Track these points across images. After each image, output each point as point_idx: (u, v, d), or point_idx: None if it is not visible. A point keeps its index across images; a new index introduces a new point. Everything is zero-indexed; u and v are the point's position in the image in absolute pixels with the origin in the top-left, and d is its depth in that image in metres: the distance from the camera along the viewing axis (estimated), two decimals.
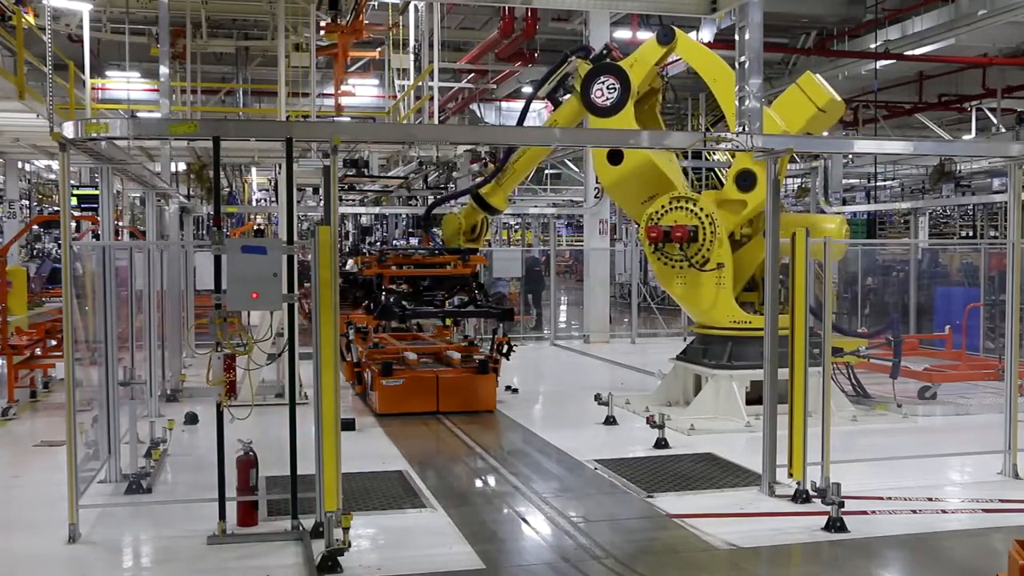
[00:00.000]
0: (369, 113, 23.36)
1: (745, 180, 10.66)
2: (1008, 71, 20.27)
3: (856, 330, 14.29)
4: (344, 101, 25.37)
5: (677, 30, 11.26)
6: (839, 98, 10.86)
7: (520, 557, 6.42)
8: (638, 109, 11.55)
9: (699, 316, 11.24)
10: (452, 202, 14.87)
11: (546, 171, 34.31)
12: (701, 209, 10.66)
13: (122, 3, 17.89)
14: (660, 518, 7.10)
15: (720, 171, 11.42)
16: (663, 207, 10.88)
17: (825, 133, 11.22)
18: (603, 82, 11.01)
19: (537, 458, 9.14)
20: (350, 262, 13.41)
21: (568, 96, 11.74)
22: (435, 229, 15.24)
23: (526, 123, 13.33)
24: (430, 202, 15.09)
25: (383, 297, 11.24)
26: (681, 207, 10.78)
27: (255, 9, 19.28)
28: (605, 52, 11.59)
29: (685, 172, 19.89)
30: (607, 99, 10.97)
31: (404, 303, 11.39)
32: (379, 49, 20.94)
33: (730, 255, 10.72)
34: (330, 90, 23.93)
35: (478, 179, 13.90)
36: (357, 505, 7.13)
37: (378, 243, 24.55)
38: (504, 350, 11.54)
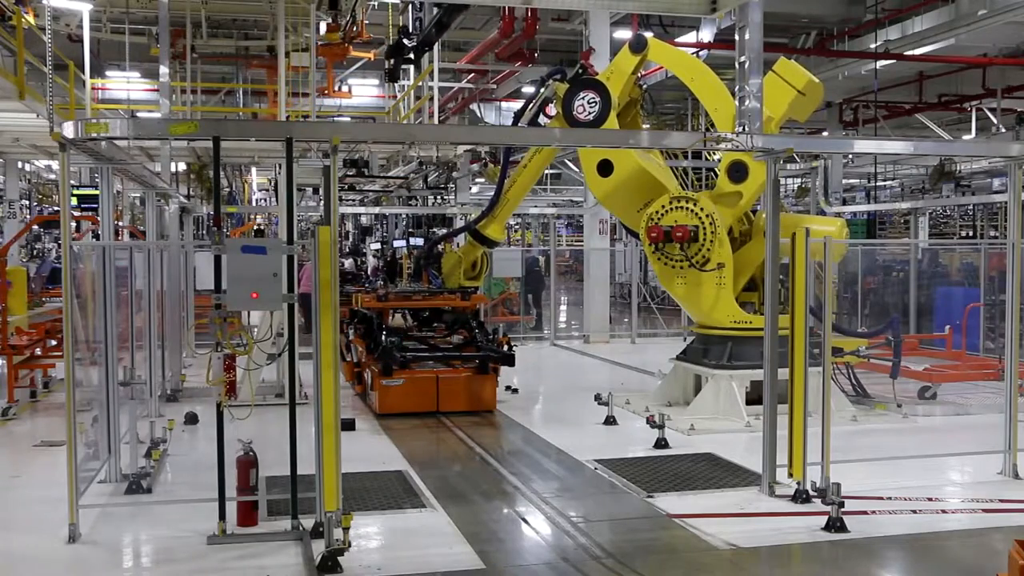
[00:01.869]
0: (369, 113, 23.35)
1: (738, 171, 10.71)
2: (1008, 71, 20.24)
3: (856, 330, 14.29)
4: (345, 101, 25.38)
5: (648, 36, 11.35)
6: (817, 79, 10.89)
7: (520, 557, 6.41)
8: (620, 122, 11.57)
9: (700, 316, 11.24)
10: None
11: (546, 171, 34.31)
12: (701, 209, 10.65)
13: (122, 3, 17.89)
14: (660, 518, 7.10)
15: (719, 171, 11.46)
16: (663, 207, 10.88)
17: (825, 133, 11.24)
18: (583, 97, 11.02)
19: (537, 458, 9.14)
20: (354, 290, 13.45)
21: (549, 121, 11.75)
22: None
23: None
24: (429, 241, 15.12)
25: (383, 338, 11.26)
26: (681, 207, 10.77)
27: (255, 9, 19.28)
28: (581, 71, 11.59)
29: (684, 172, 19.91)
30: (589, 114, 10.98)
31: (405, 345, 11.43)
32: (373, 52, 20.94)
33: (730, 255, 10.72)
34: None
35: (473, 216, 13.85)
36: (357, 505, 7.13)
37: (379, 243, 24.58)
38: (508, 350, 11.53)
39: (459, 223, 20.88)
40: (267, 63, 20.88)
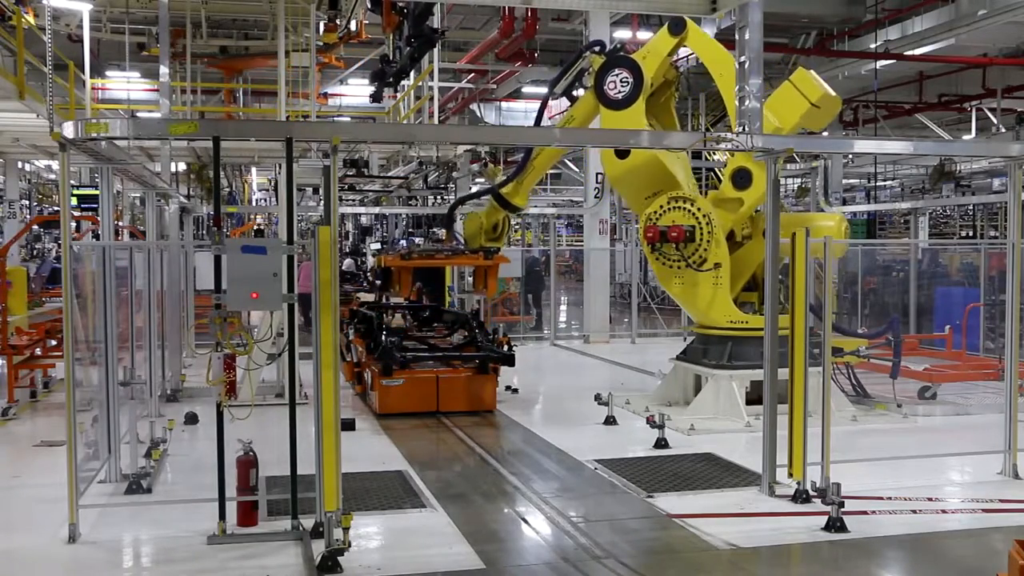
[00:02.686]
0: (369, 113, 23.39)
1: (742, 178, 10.66)
2: (1008, 71, 20.27)
3: (856, 331, 14.28)
4: (345, 101, 25.41)
5: (689, 20, 11.05)
6: (834, 93, 10.77)
7: (520, 557, 6.42)
8: (654, 102, 11.48)
9: (697, 316, 11.25)
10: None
11: (547, 171, 34.34)
12: (699, 209, 10.66)
13: (122, 3, 17.89)
14: (660, 518, 7.10)
15: (719, 171, 11.43)
16: (661, 207, 10.90)
17: (825, 133, 11.25)
18: (616, 75, 10.96)
19: (537, 458, 9.13)
20: (371, 260, 13.56)
21: (584, 92, 11.72)
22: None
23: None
24: (453, 200, 15.16)
25: (383, 338, 11.28)
26: (679, 207, 10.79)
27: (255, 9, 19.29)
28: (619, 48, 11.49)
29: None
30: (619, 92, 10.94)
31: (405, 345, 11.47)
32: (342, 62, 21.04)
33: (727, 255, 10.72)
34: (329, 90, 23.94)
35: (500, 179, 13.79)
36: (357, 505, 7.13)
37: (379, 243, 24.57)
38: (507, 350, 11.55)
39: (459, 223, 20.86)
40: (221, 63, 20.93)
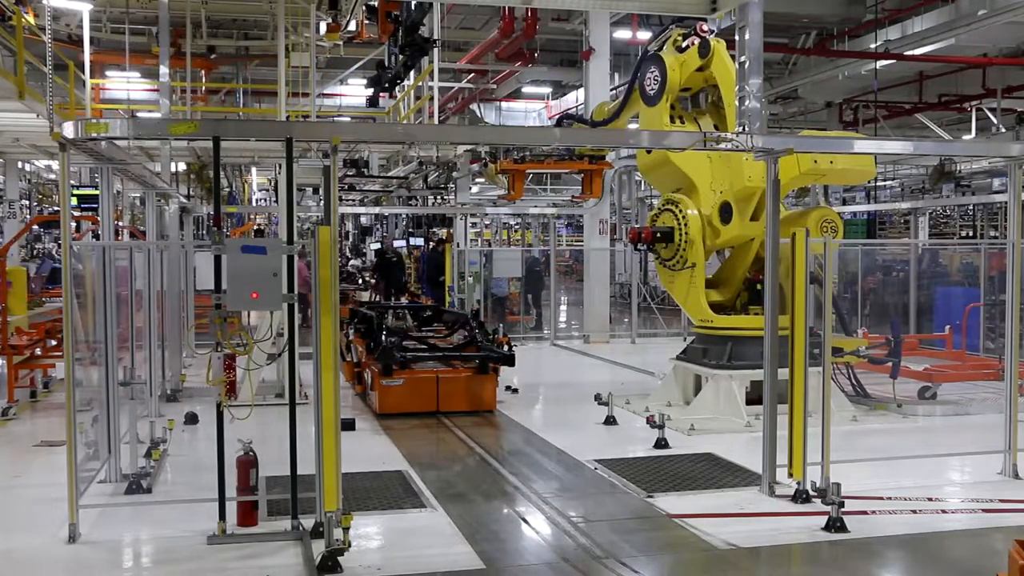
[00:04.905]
0: (369, 113, 23.39)
1: (725, 212, 10.67)
2: (1008, 71, 20.25)
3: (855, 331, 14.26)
4: (345, 101, 25.41)
5: (715, 46, 10.68)
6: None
7: (520, 557, 6.41)
8: (708, 102, 11.48)
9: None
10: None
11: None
12: (680, 211, 10.79)
13: (122, 3, 17.89)
14: (660, 518, 7.10)
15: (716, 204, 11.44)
16: (659, 209, 11.07)
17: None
18: (652, 72, 11.07)
19: (537, 458, 9.14)
20: None
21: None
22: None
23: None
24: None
25: (383, 338, 11.30)
26: (668, 209, 11.04)
27: (255, 9, 19.28)
28: (690, 32, 11.22)
29: None
30: (651, 88, 11.09)
31: (405, 345, 11.52)
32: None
33: (702, 257, 10.89)
34: (329, 90, 23.93)
35: (613, 105, 13.45)
36: (357, 505, 7.13)
37: (379, 243, 24.58)
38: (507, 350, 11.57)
39: (459, 223, 20.86)
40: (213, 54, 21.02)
